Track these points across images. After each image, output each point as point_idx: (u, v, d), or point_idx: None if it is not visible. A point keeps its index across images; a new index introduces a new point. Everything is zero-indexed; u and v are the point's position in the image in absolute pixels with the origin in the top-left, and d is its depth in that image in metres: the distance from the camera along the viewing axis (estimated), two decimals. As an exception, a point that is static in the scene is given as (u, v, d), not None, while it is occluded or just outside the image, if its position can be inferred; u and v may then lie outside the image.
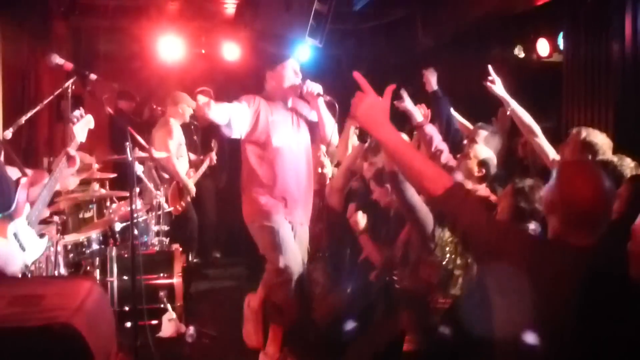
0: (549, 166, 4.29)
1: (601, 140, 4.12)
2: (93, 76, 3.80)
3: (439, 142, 4.74)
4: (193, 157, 7.60)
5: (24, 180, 3.57)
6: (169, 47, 8.81)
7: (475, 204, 2.38)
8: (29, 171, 3.72)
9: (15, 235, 3.36)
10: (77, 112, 3.91)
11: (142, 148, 3.90)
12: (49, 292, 2.47)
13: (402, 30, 8.16)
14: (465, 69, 8.12)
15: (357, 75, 2.38)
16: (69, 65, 3.85)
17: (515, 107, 4.36)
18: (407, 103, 4.75)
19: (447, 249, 3.64)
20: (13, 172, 3.65)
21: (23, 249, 3.38)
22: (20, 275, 3.37)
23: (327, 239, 5.23)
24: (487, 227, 2.29)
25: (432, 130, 4.76)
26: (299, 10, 6.53)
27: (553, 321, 2.18)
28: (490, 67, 4.42)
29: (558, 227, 2.32)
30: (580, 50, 5.84)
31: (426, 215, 3.66)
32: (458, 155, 4.71)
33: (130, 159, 3.63)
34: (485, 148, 4.54)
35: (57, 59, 3.90)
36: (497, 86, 4.41)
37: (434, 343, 3.58)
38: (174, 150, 6.87)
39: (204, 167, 7.45)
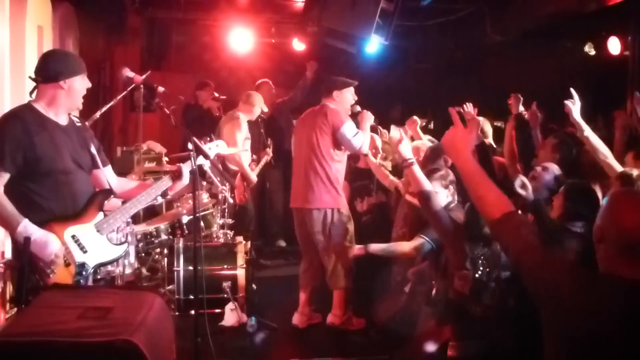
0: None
1: None
2: (161, 89, 3.98)
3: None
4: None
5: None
6: (240, 39, 8.99)
7: (530, 233, 2.40)
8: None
9: (73, 237, 3.46)
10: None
11: (206, 155, 4.00)
12: (115, 305, 2.64)
13: (470, 24, 8.04)
14: (534, 65, 8.03)
15: (451, 111, 2.74)
16: (139, 79, 4.04)
17: (589, 133, 4.40)
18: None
19: (480, 262, 3.69)
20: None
21: (84, 251, 3.48)
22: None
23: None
24: (537, 258, 2.32)
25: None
26: (365, 8, 6.57)
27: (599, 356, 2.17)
28: (572, 90, 4.49)
29: (609, 256, 2.28)
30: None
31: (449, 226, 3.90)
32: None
33: (194, 167, 3.77)
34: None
35: (128, 72, 4.09)
36: (575, 109, 4.46)
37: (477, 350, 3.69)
38: (241, 143, 7.04)
39: (262, 162, 7.59)
